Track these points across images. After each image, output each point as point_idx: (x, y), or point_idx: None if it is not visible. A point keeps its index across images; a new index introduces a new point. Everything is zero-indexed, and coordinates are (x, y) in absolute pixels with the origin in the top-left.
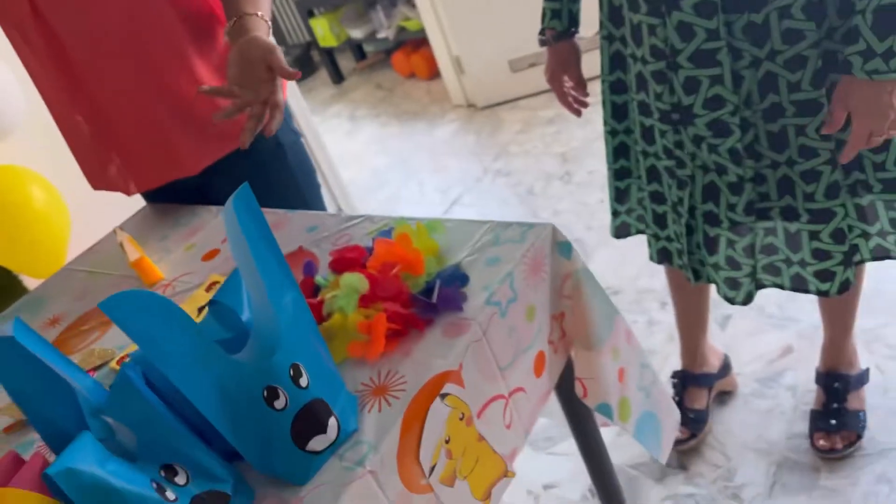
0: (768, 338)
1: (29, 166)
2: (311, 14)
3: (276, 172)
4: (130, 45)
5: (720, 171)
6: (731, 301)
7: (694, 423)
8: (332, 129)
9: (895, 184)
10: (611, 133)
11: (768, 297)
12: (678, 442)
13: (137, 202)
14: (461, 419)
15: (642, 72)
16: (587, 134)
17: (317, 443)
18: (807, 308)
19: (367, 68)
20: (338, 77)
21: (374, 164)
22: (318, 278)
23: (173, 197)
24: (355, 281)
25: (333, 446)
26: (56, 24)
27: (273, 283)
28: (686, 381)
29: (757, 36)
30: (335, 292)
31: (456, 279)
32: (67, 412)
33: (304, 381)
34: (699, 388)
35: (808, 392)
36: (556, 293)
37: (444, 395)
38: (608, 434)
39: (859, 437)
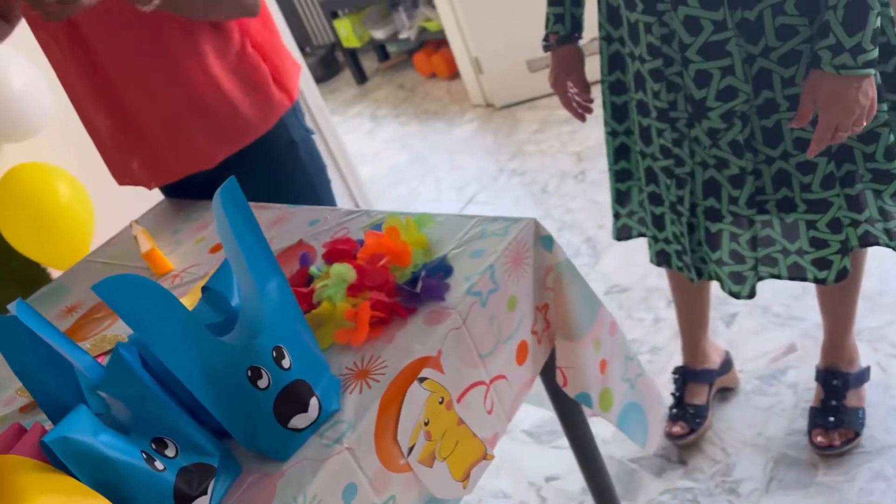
0: (772, 336)
1: (55, 163)
2: (335, 15)
3: (288, 167)
4: (153, 45)
5: (720, 166)
6: (736, 296)
7: (693, 419)
8: (354, 129)
9: (884, 174)
10: (611, 134)
11: (775, 297)
12: (677, 437)
13: (158, 197)
14: (441, 403)
15: (640, 70)
16: (603, 133)
17: (298, 421)
18: (813, 307)
19: (389, 68)
20: (361, 77)
21: (393, 163)
22: (312, 268)
23: (191, 191)
24: (344, 271)
25: (315, 425)
26: (84, 27)
27: (258, 270)
28: (686, 377)
29: (751, 32)
30: (325, 282)
31: (440, 270)
32: (67, 387)
33: (286, 363)
34: (699, 384)
35: (809, 390)
36: (540, 285)
37: (422, 380)
38: (608, 428)
39: (857, 434)
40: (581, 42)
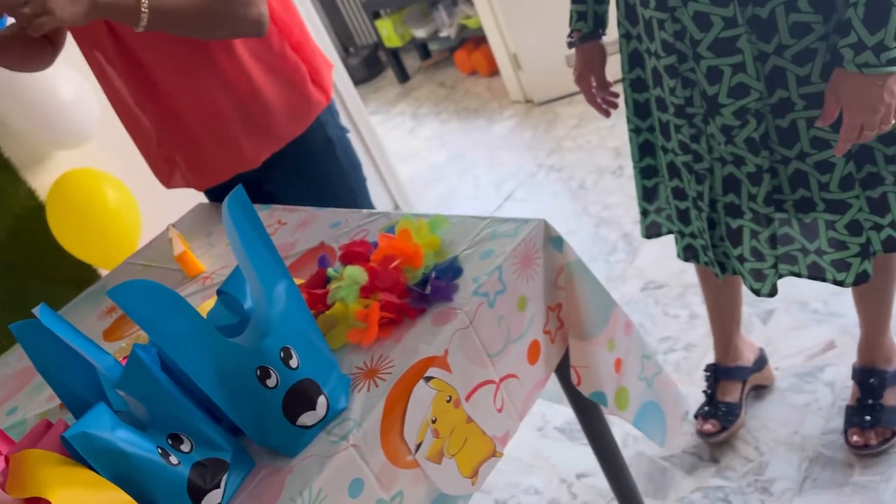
0: (810, 333)
1: (103, 169)
2: (377, 15)
3: (325, 165)
4: (194, 50)
5: (738, 163)
6: (756, 293)
7: (725, 417)
8: (396, 127)
9: None
10: (635, 131)
11: (814, 293)
12: (709, 435)
13: (198, 199)
14: (448, 401)
15: (656, 66)
16: None
17: (306, 418)
18: (852, 303)
19: (431, 67)
20: (403, 76)
21: (433, 161)
22: (330, 270)
23: (232, 186)
24: (356, 273)
25: (323, 422)
26: (129, 37)
27: (265, 274)
28: (718, 375)
29: (763, 30)
30: (339, 283)
31: (450, 272)
32: (89, 385)
33: (293, 363)
34: (732, 381)
35: (846, 388)
36: (551, 285)
37: (428, 378)
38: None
39: (895, 433)
40: (605, 39)
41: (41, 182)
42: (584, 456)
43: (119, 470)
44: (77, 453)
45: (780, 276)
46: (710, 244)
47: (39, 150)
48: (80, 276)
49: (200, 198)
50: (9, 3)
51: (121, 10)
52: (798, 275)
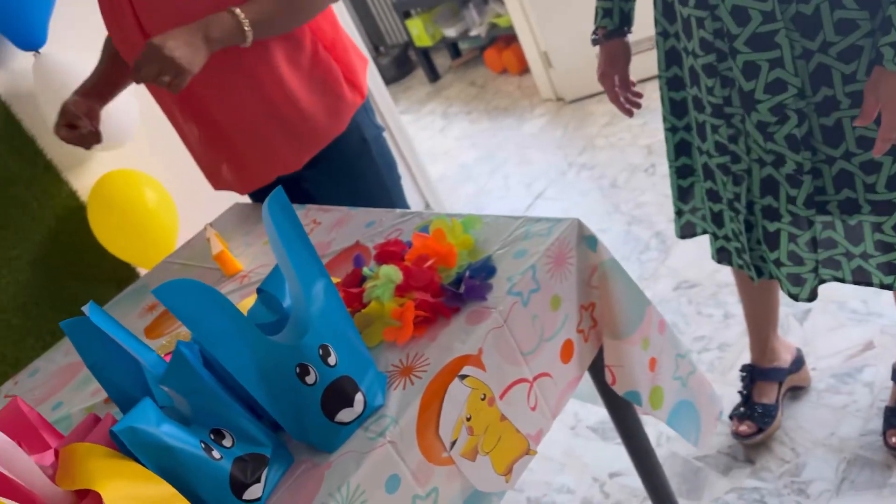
0: (848, 333)
1: (142, 169)
2: (407, 15)
3: (362, 165)
4: (230, 62)
5: (777, 164)
6: (795, 298)
7: (761, 418)
8: (426, 127)
9: None
10: (671, 130)
11: (853, 292)
12: (744, 436)
13: (235, 200)
14: (482, 399)
15: (694, 65)
16: None
17: (344, 415)
18: (893, 303)
19: (461, 66)
20: (433, 75)
21: (464, 160)
22: (365, 269)
23: (274, 188)
24: (391, 272)
25: (360, 419)
26: None
27: (304, 273)
28: (754, 376)
29: (807, 27)
30: (375, 282)
31: (483, 271)
32: (134, 381)
33: (332, 360)
34: (768, 382)
35: (885, 389)
36: (585, 284)
37: (463, 377)
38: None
39: None
40: (630, 37)
41: (82, 183)
42: (616, 455)
43: (164, 463)
44: (124, 447)
45: (823, 281)
46: (746, 247)
47: (81, 152)
48: (119, 275)
49: (236, 198)
50: (150, 77)
51: (230, 37)
52: (842, 280)
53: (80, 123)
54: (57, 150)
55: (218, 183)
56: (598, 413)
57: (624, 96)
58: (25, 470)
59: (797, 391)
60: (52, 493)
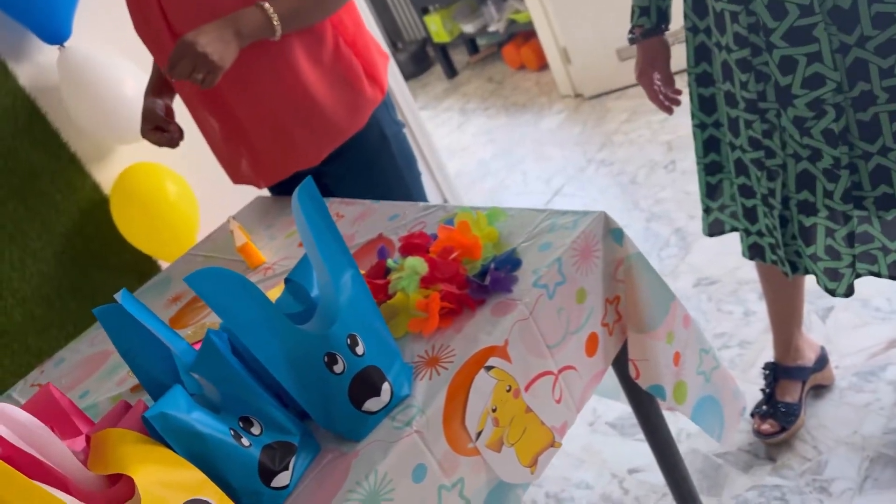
0: (872, 331)
1: (163, 163)
2: (425, 11)
3: (381, 162)
4: (251, 57)
5: (814, 158)
6: (832, 293)
7: (784, 417)
8: (444, 123)
9: None
10: (699, 127)
11: (878, 290)
12: (767, 435)
13: (255, 193)
14: (508, 391)
15: (727, 60)
16: None
17: (371, 404)
18: None
19: (479, 62)
20: (451, 71)
21: (481, 156)
22: (389, 261)
23: (293, 183)
24: (417, 264)
25: (387, 408)
26: None
27: (333, 263)
28: (778, 374)
29: (844, 21)
30: (400, 274)
31: (508, 263)
32: (165, 368)
33: (360, 350)
34: (792, 381)
35: None
36: (610, 277)
37: (489, 368)
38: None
39: None
40: (667, 33)
41: (105, 176)
42: (636, 451)
43: (194, 450)
44: (156, 433)
45: (858, 276)
46: (780, 242)
47: (104, 145)
48: (141, 268)
49: (255, 193)
50: (184, 74)
51: (259, 32)
52: (878, 274)
53: (167, 126)
54: (80, 143)
55: (237, 177)
56: (617, 409)
57: (664, 94)
58: (58, 454)
59: (820, 389)
60: (84, 478)
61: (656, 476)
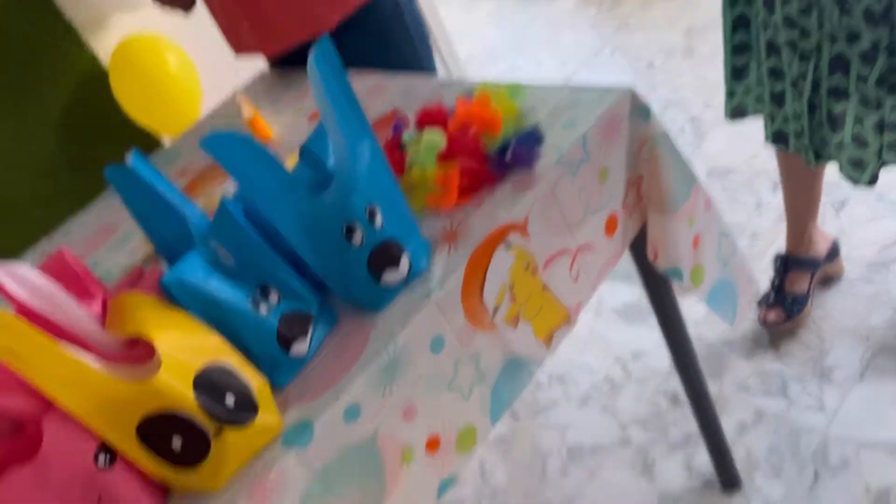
0: (885, 224)
1: (160, 32)
2: None
3: (394, 30)
4: None
5: (851, 39)
6: (854, 181)
7: (791, 306)
8: (451, 3)
9: None
10: (730, 3)
11: (893, 183)
12: (773, 324)
13: (260, 68)
14: (526, 268)
15: None
16: (717, 4)
17: (390, 276)
18: None
19: None
20: None
21: (491, 38)
22: (405, 135)
23: (304, 55)
24: (435, 138)
25: (405, 281)
26: None
27: (350, 131)
28: (789, 265)
29: None
30: (417, 147)
31: (531, 139)
32: (178, 232)
33: (378, 222)
34: (802, 272)
35: None
36: (634, 157)
37: (508, 245)
38: (699, 309)
39: None
40: None
41: (103, 46)
42: (639, 337)
43: (212, 315)
44: (172, 298)
45: (884, 164)
46: (806, 130)
47: (101, 11)
48: (143, 142)
49: (258, 70)
50: None
51: None
52: None
53: None
54: (75, 9)
55: (239, 45)
56: (624, 297)
57: None
58: (76, 317)
59: (828, 281)
60: (101, 340)
61: (658, 360)
